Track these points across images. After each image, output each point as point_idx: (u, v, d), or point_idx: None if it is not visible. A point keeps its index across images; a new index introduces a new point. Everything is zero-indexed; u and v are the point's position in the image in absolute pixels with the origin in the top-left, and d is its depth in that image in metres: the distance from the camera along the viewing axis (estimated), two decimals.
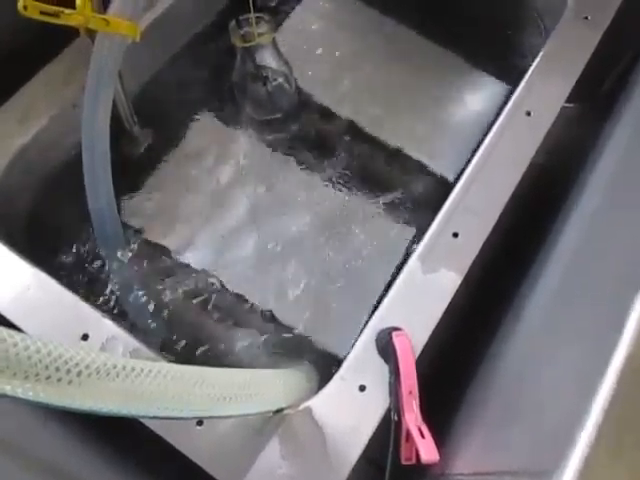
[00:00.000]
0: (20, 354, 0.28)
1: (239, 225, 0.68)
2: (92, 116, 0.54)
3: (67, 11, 0.50)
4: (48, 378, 0.29)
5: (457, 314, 0.52)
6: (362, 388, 0.47)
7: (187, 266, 0.65)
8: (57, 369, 0.29)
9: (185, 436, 0.45)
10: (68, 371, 0.30)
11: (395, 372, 0.46)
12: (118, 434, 0.47)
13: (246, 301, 0.64)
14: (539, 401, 0.35)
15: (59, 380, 0.30)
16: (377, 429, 0.46)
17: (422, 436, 0.43)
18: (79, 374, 0.30)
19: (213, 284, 0.64)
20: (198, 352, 0.61)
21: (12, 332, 0.28)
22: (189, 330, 0.62)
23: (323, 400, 0.47)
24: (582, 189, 0.59)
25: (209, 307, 0.63)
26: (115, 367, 0.32)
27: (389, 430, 0.45)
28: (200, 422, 0.45)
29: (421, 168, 0.72)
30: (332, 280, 0.65)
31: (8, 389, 0.28)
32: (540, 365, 0.41)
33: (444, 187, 0.70)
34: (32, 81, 0.61)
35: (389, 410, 0.46)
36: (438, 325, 0.50)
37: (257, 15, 0.63)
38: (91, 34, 0.53)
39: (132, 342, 0.48)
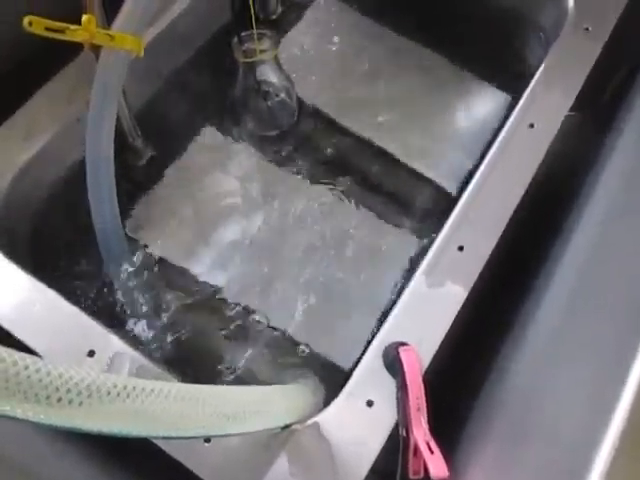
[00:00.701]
0: (32, 377, 0.28)
1: (243, 239, 0.68)
2: (96, 131, 0.54)
3: (72, 27, 0.50)
4: (59, 400, 0.29)
5: (463, 327, 0.52)
6: (370, 403, 0.47)
7: (192, 279, 0.65)
8: (68, 391, 0.29)
9: (193, 453, 0.44)
10: (79, 393, 0.30)
11: (402, 387, 0.46)
12: (124, 451, 0.47)
13: (251, 314, 0.64)
14: (551, 419, 0.35)
15: (70, 402, 0.30)
16: (385, 444, 0.46)
17: (431, 451, 0.43)
18: (90, 396, 0.30)
19: (217, 298, 0.64)
20: (204, 366, 0.60)
21: (23, 355, 0.28)
22: (194, 344, 0.62)
23: (331, 415, 0.47)
24: (587, 198, 0.59)
25: (214, 321, 0.63)
26: (125, 388, 0.32)
27: (397, 445, 0.45)
28: (207, 439, 0.45)
29: (423, 179, 0.72)
30: (336, 292, 0.65)
31: (19, 412, 0.28)
32: (550, 380, 0.41)
33: (446, 198, 0.70)
34: (36, 97, 0.61)
35: (397, 425, 0.46)
36: (444, 339, 0.50)
37: (259, 32, 0.63)
38: (95, 49, 0.53)
39: (139, 358, 0.48)
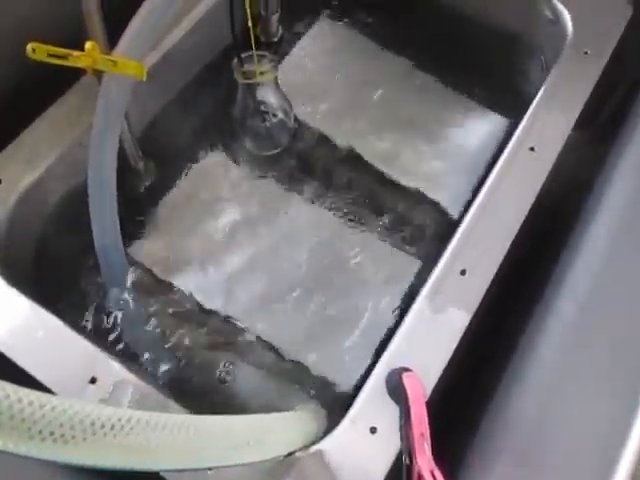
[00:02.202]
0: (35, 413, 0.28)
1: (243, 260, 0.68)
2: (99, 155, 0.54)
3: (75, 53, 0.50)
4: (62, 436, 0.29)
5: (466, 350, 0.52)
6: (373, 430, 0.47)
7: (193, 302, 0.65)
8: (72, 427, 0.29)
9: None
10: (83, 430, 0.29)
11: (406, 414, 0.46)
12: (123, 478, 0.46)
13: (252, 337, 0.63)
14: (559, 448, 0.35)
15: (73, 438, 0.29)
16: (389, 471, 0.46)
17: None
18: (94, 433, 0.30)
19: (219, 320, 0.64)
20: (205, 390, 0.60)
21: (27, 390, 0.28)
22: (195, 367, 0.62)
23: (334, 443, 0.47)
24: (590, 218, 0.59)
25: (216, 344, 0.63)
26: (129, 421, 0.32)
27: (401, 472, 0.45)
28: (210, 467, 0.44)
29: (424, 202, 0.72)
30: (336, 315, 0.65)
31: (23, 450, 0.28)
32: (558, 406, 0.40)
33: (447, 219, 0.71)
34: (38, 121, 0.61)
35: (401, 452, 0.45)
36: (448, 364, 0.50)
37: (259, 53, 0.63)
38: (98, 74, 0.53)
39: (141, 385, 0.48)
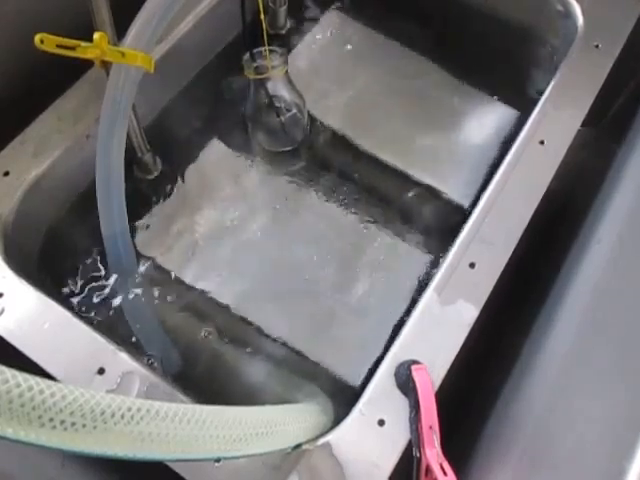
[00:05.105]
0: (47, 401, 0.28)
1: (252, 253, 0.68)
2: (106, 147, 0.54)
3: (84, 44, 0.50)
4: (73, 425, 0.29)
5: (475, 344, 0.52)
6: (381, 422, 0.47)
7: (200, 293, 0.65)
8: (82, 416, 0.29)
9: (204, 473, 0.44)
10: (94, 418, 0.29)
11: (415, 406, 0.46)
12: (132, 469, 0.46)
13: (259, 330, 0.63)
14: (568, 444, 0.35)
15: (84, 426, 0.29)
16: (397, 464, 0.46)
17: (444, 473, 0.42)
18: (104, 421, 0.30)
19: (226, 313, 0.64)
20: (212, 382, 0.60)
21: (38, 379, 0.28)
22: (203, 358, 0.62)
23: (342, 435, 0.46)
24: (600, 213, 0.59)
25: (223, 336, 0.63)
26: (139, 410, 0.32)
27: (409, 464, 0.45)
28: (218, 459, 0.44)
29: (433, 195, 0.72)
30: (346, 307, 0.65)
31: (33, 438, 0.28)
32: (566, 402, 0.40)
33: (457, 213, 0.70)
34: (46, 113, 0.61)
35: (409, 445, 0.45)
36: (456, 357, 0.49)
37: (271, 48, 0.63)
38: (105, 66, 0.53)
39: (149, 376, 0.48)
